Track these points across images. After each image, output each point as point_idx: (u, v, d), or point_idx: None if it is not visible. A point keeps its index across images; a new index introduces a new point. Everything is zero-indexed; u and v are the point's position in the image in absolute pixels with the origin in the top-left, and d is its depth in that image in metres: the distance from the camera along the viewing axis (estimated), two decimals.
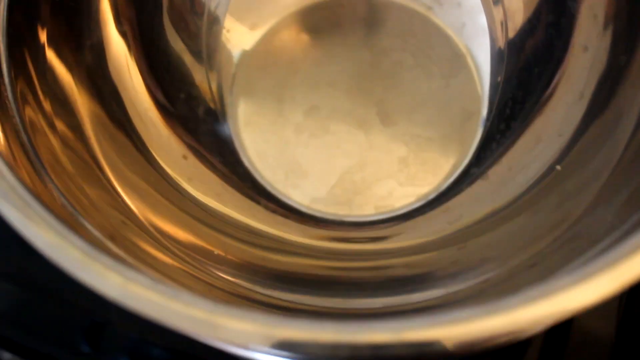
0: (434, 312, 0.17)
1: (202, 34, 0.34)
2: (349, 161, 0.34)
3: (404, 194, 0.33)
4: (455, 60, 0.35)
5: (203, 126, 0.33)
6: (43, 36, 0.27)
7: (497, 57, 0.34)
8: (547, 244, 0.26)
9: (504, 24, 0.33)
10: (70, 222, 0.21)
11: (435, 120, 0.35)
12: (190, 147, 0.32)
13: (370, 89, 0.35)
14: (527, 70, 0.33)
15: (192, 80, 0.33)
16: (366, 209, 0.33)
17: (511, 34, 0.33)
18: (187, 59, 0.33)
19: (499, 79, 0.34)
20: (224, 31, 0.34)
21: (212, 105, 0.34)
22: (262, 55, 0.36)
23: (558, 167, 0.30)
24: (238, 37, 0.35)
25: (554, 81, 0.32)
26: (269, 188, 0.33)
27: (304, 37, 0.36)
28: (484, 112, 0.34)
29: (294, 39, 0.36)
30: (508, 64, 0.34)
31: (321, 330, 0.16)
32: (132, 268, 0.18)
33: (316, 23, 0.36)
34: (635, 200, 0.24)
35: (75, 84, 0.28)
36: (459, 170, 0.33)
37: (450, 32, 0.36)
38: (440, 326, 0.16)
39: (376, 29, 0.36)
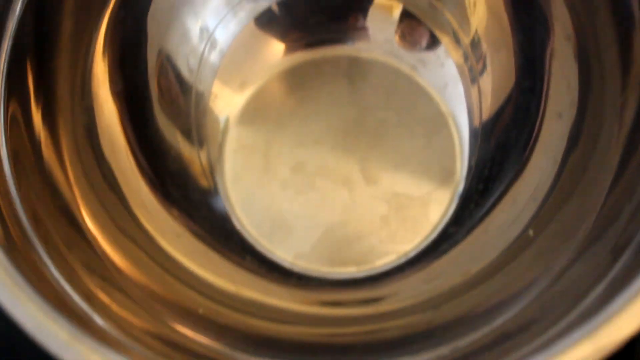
0: None
1: (191, 109, 0.35)
2: (332, 218, 0.35)
3: (385, 251, 0.34)
4: (438, 119, 0.37)
5: (190, 181, 0.34)
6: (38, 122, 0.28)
7: (476, 119, 0.36)
8: (515, 313, 0.27)
9: (479, 94, 0.35)
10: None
11: (416, 179, 0.36)
12: (176, 204, 0.33)
13: (354, 147, 0.36)
14: (504, 133, 0.35)
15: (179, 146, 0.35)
16: (348, 267, 0.34)
17: (488, 98, 0.35)
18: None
19: (477, 140, 0.35)
20: (212, 97, 0.36)
21: (200, 169, 0.35)
22: (250, 112, 0.37)
23: (530, 232, 0.31)
24: (226, 98, 0.37)
25: (530, 145, 0.33)
26: (253, 243, 0.35)
27: (292, 95, 0.37)
28: (464, 172, 0.36)
29: (282, 96, 0.37)
30: (485, 126, 0.35)
31: None
32: (114, 350, 0.20)
33: (303, 81, 0.38)
34: (601, 269, 0.25)
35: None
36: (438, 230, 0.35)
37: (433, 91, 0.37)
38: None
39: (362, 87, 0.37)
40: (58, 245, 0.25)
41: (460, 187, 0.35)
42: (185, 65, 0.35)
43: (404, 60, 0.37)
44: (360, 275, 0.34)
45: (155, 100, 0.33)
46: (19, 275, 0.21)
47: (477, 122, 0.35)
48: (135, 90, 0.32)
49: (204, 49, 0.35)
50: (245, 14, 0.36)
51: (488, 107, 0.34)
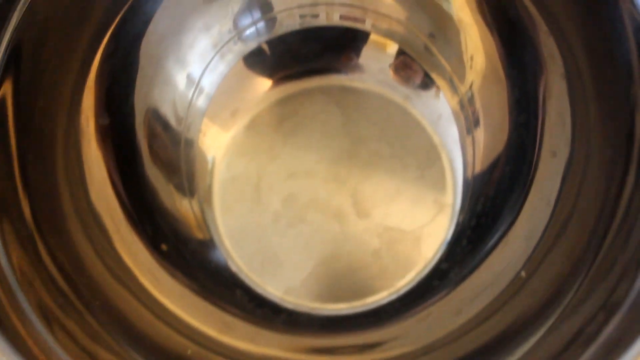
0: None
1: (180, 155, 0.34)
2: (323, 252, 0.35)
3: (377, 287, 0.34)
4: (431, 151, 0.36)
5: (183, 233, 0.34)
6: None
7: (470, 152, 0.35)
8: None
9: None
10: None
11: (408, 213, 0.35)
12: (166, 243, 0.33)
13: (346, 178, 0.36)
14: (499, 168, 0.34)
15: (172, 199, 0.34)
16: (338, 303, 0.34)
17: (481, 134, 0.34)
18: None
19: (470, 174, 0.35)
20: (201, 135, 0.35)
21: (194, 222, 0.35)
22: (242, 142, 0.37)
23: (522, 274, 0.31)
24: (215, 132, 0.36)
25: (525, 184, 0.33)
26: (244, 278, 0.34)
27: (284, 124, 0.37)
28: (457, 206, 0.35)
29: (274, 126, 0.37)
30: (479, 159, 0.35)
31: None
32: None
33: (295, 110, 0.37)
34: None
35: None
36: (430, 266, 0.34)
37: (426, 122, 0.37)
38: None
39: (355, 117, 0.37)
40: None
41: (453, 222, 0.35)
42: (172, 115, 0.34)
43: (398, 90, 0.37)
44: (351, 312, 0.34)
45: (144, 153, 0.33)
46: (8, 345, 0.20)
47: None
48: (124, 145, 0.32)
49: (192, 96, 0.35)
50: (233, 55, 0.35)
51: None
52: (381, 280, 0.34)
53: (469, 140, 0.34)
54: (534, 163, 0.33)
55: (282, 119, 0.37)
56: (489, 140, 0.34)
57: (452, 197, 0.35)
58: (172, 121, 0.34)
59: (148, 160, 0.33)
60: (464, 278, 0.32)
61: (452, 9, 0.33)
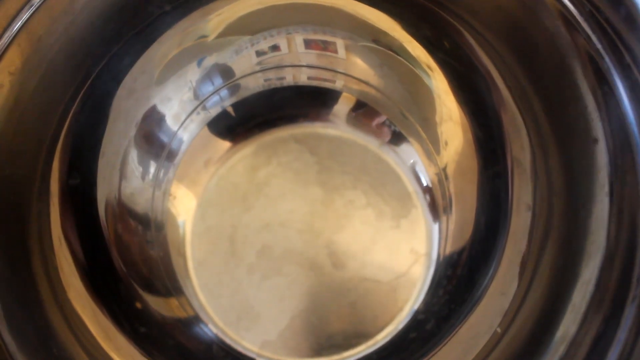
0: None
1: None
2: (299, 304, 0.35)
3: (354, 340, 0.34)
4: (406, 199, 0.36)
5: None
6: None
7: (446, 204, 0.35)
8: None
9: (445, 183, 0.35)
10: None
11: (384, 263, 0.35)
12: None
13: (322, 229, 0.36)
14: (474, 219, 0.34)
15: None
16: (315, 357, 0.34)
17: (453, 187, 0.35)
18: None
19: (446, 224, 0.35)
20: (171, 198, 0.35)
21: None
22: (216, 191, 0.36)
23: (498, 329, 0.31)
24: (185, 194, 0.36)
25: (500, 235, 0.33)
26: (219, 333, 0.34)
27: (258, 173, 0.37)
28: (433, 255, 0.35)
29: (248, 175, 0.36)
30: (456, 210, 0.35)
31: None
32: None
33: (270, 159, 0.37)
34: None
35: None
36: (407, 317, 0.34)
37: (401, 170, 0.37)
38: None
39: (329, 165, 0.37)
40: None
41: (430, 272, 0.35)
42: (140, 203, 0.34)
43: (372, 137, 0.37)
44: None
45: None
46: None
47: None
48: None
49: (157, 172, 0.34)
50: (196, 124, 0.35)
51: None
52: (358, 333, 0.34)
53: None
54: (508, 214, 0.33)
55: (256, 167, 0.37)
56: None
57: (429, 246, 0.35)
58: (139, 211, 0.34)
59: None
60: (441, 330, 0.32)
61: (432, 84, 0.33)
